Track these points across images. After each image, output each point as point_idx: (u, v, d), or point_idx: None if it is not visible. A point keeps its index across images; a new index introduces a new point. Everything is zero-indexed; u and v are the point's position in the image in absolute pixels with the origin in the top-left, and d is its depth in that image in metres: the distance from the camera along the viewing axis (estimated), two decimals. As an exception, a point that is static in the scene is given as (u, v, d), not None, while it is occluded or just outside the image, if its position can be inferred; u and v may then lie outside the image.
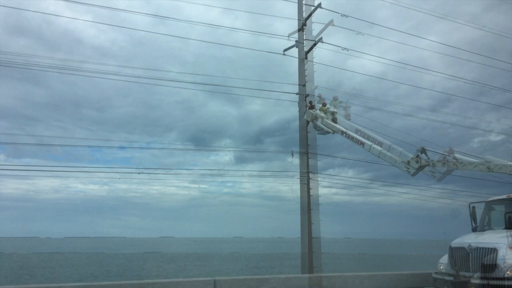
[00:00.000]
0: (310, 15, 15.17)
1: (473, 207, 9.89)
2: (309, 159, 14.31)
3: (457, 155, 10.31)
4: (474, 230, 9.65)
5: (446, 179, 11.46)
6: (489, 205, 9.78)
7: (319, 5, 14.69)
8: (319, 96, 14.74)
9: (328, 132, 13.48)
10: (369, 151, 11.89)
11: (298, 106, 15.01)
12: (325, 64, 16.06)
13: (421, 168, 10.49)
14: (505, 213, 8.96)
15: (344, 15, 14.59)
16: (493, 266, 7.52)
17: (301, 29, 15.27)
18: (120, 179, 14.99)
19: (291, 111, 16.23)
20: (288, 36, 15.43)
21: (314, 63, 15.06)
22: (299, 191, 14.32)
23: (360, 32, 14.62)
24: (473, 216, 9.80)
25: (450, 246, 8.83)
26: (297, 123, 15.08)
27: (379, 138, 12.29)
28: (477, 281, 7.59)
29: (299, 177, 14.34)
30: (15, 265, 45.00)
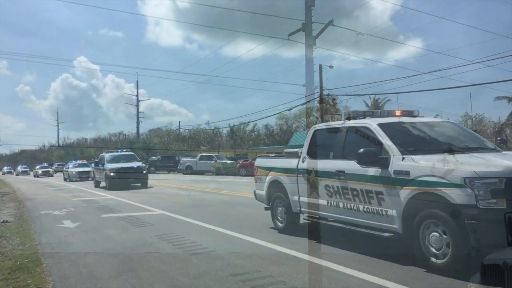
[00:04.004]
0: (319, -7, 15.14)
1: (510, 218, 9.79)
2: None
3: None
4: (511, 244, 9.56)
5: None
6: (529, 215, 9.69)
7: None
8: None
9: (340, 131, 13.43)
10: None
11: (305, 100, 14.97)
12: (336, 51, 16.05)
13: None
14: None
15: (359, -7, 14.58)
16: (533, 287, 7.47)
17: (309, 8, 15.27)
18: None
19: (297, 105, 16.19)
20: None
21: (320, 48, 15.05)
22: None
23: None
24: (509, 228, 9.70)
25: (481, 263, 8.77)
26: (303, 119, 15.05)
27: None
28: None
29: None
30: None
